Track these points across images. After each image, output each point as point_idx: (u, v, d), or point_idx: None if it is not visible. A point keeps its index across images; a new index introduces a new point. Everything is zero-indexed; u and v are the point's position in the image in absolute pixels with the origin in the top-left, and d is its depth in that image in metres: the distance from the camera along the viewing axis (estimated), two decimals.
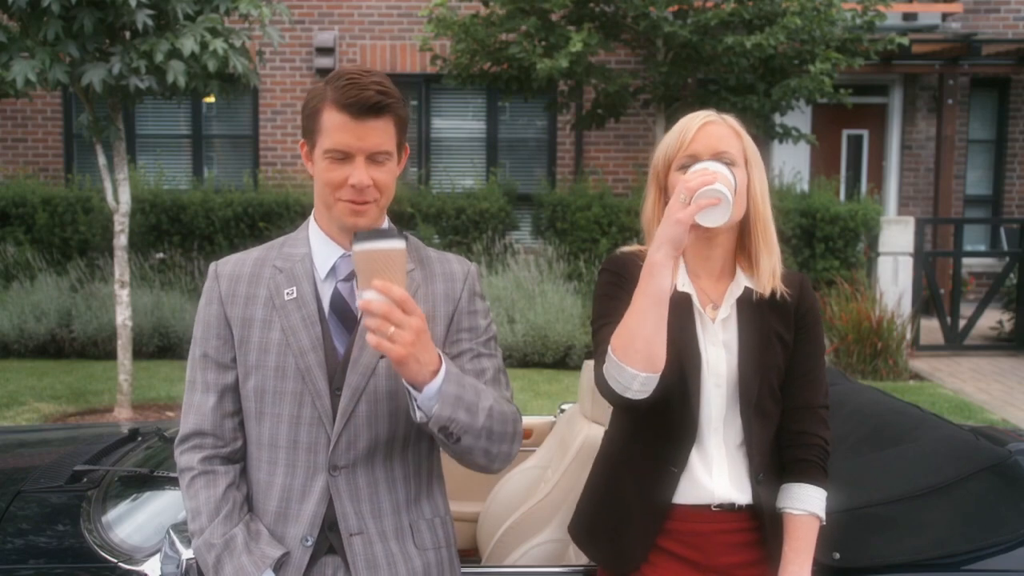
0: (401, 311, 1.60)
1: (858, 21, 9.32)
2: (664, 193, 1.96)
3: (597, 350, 1.93)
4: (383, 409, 1.80)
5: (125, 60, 5.93)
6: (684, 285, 1.95)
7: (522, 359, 8.60)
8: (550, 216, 10.15)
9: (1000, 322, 10.08)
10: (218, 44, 5.89)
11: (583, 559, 2.15)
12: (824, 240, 9.71)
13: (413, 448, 1.86)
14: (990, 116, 12.57)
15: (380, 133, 1.75)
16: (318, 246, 1.86)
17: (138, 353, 7.98)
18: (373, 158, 1.76)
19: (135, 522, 2.38)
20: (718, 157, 1.88)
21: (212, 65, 5.92)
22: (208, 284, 1.90)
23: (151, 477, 2.63)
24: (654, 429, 1.91)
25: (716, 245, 1.96)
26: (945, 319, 9.64)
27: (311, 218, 1.90)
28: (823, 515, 1.94)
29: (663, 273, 1.76)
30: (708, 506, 1.93)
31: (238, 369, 1.85)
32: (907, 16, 11.51)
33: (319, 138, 1.77)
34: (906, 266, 9.57)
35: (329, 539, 1.80)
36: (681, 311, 1.92)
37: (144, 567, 2.15)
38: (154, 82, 6.01)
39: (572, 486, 2.64)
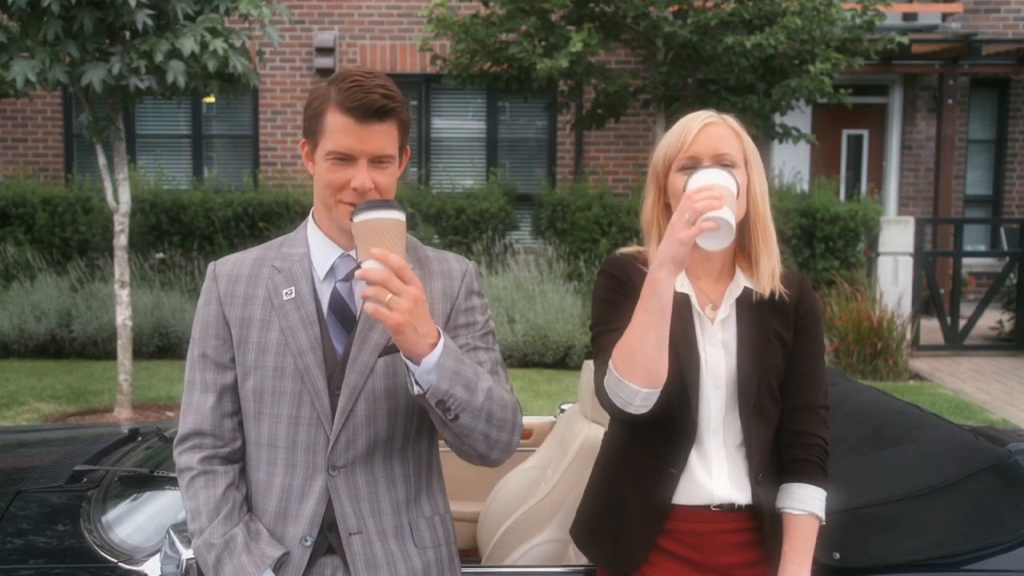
0: (399, 279, 1.60)
1: (858, 21, 9.32)
2: (663, 193, 1.96)
3: (597, 359, 1.95)
4: (382, 408, 1.80)
5: (125, 60, 5.93)
6: (683, 286, 1.95)
7: (522, 359, 8.60)
8: (550, 216, 10.15)
9: (1000, 322, 10.08)
10: (218, 44, 5.89)
11: (583, 559, 2.15)
12: (824, 240, 9.71)
13: (412, 447, 1.86)
14: (990, 116, 12.57)
15: (383, 136, 1.75)
16: (317, 246, 1.86)
17: (138, 353, 7.98)
18: (376, 161, 1.76)
19: (135, 522, 2.38)
20: (719, 159, 1.88)
21: (212, 65, 5.92)
22: (207, 284, 1.90)
23: (151, 477, 2.63)
24: (653, 431, 1.91)
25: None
26: (945, 319, 9.64)
27: (310, 218, 1.90)
28: (823, 515, 1.94)
29: (665, 289, 1.76)
30: (708, 506, 1.93)
31: (237, 369, 1.85)
32: (907, 16, 11.51)
33: (322, 139, 1.77)
34: (906, 266, 9.57)
35: (328, 539, 1.80)
36: (680, 312, 1.92)
37: (144, 567, 2.15)
38: (154, 82, 6.01)
39: (572, 486, 2.64)
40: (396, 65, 11.75)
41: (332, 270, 1.85)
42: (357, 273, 1.64)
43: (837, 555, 2.08)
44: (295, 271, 1.85)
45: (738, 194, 1.82)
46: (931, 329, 9.73)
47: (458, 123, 12.21)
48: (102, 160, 6.64)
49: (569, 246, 9.83)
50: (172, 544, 1.99)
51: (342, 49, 11.82)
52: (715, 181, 1.77)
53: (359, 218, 1.64)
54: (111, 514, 2.42)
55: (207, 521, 1.79)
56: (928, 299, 9.86)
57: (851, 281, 9.37)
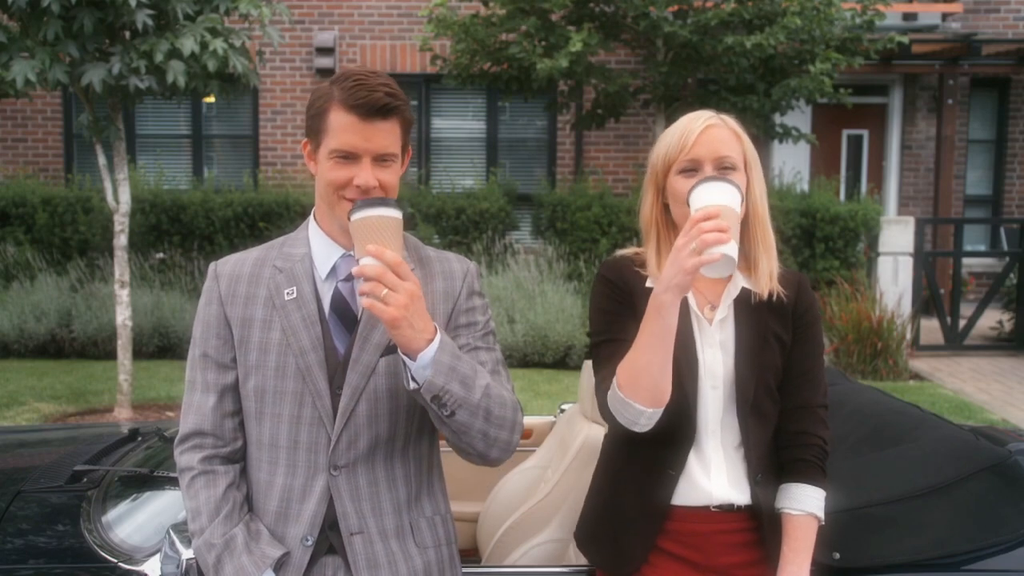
0: (395, 275, 1.62)
1: (858, 21, 9.32)
2: (662, 194, 1.96)
3: (598, 372, 1.96)
4: (383, 408, 1.80)
5: (125, 60, 5.93)
6: None
7: (522, 359, 8.60)
8: (550, 216, 10.15)
9: (1000, 322, 10.08)
10: (218, 44, 5.89)
11: (583, 559, 2.15)
12: (824, 240, 9.71)
13: (414, 447, 1.86)
14: (990, 116, 12.57)
15: (387, 135, 1.76)
16: (318, 246, 1.86)
17: (138, 353, 7.98)
18: (379, 159, 1.76)
19: (135, 522, 2.38)
20: (720, 162, 1.88)
21: (212, 65, 5.92)
22: (208, 284, 1.90)
23: (151, 477, 2.63)
24: (652, 433, 1.91)
25: None
26: (945, 319, 9.64)
27: (311, 218, 1.90)
28: (822, 515, 1.94)
29: (670, 313, 1.76)
30: (707, 507, 1.93)
31: (238, 369, 1.85)
32: (907, 16, 11.51)
33: (325, 138, 1.77)
34: (906, 266, 9.57)
35: (329, 539, 1.80)
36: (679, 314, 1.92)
37: (144, 567, 2.15)
38: (154, 82, 6.01)
39: (572, 486, 2.64)
40: (396, 65, 11.75)
41: (334, 270, 1.85)
42: (354, 270, 1.65)
43: (837, 555, 2.09)
44: (297, 271, 1.85)
45: (741, 200, 1.82)
46: (931, 329, 9.73)
47: (458, 123, 12.21)
48: (102, 160, 6.64)
49: (569, 246, 9.83)
50: (172, 544, 1.99)
51: (342, 49, 11.82)
52: (720, 200, 1.74)
53: (356, 216, 1.65)
54: (111, 514, 2.42)
55: (207, 521, 1.79)
56: (928, 299, 9.86)
57: (851, 281, 9.37)
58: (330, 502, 1.80)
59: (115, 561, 2.20)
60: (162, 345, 8.82)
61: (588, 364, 2.65)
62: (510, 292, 8.99)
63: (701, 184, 1.77)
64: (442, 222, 10.02)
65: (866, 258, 9.88)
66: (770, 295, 1.95)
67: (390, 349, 1.79)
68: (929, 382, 8.41)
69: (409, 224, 9.77)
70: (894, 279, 9.52)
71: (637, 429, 1.86)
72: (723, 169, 1.88)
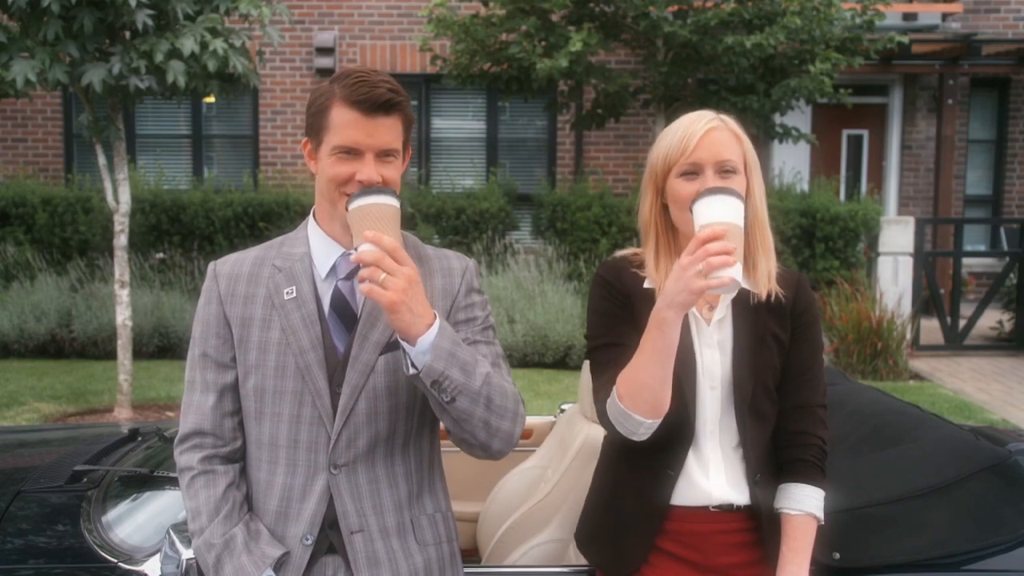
0: (393, 260, 1.62)
1: (858, 21, 9.31)
2: (661, 194, 1.96)
3: (596, 379, 1.97)
4: (383, 406, 1.80)
5: (125, 60, 5.93)
6: None
7: (522, 359, 8.60)
8: (550, 216, 10.15)
9: (1000, 322, 10.08)
10: (218, 44, 5.89)
11: (583, 559, 2.15)
12: (824, 240, 9.71)
13: (414, 444, 1.86)
14: (990, 116, 12.57)
15: (389, 131, 1.77)
16: (318, 245, 1.86)
17: (138, 353, 7.98)
18: (382, 155, 1.77)
19: (135, 522, 2.38)
20: (721, 165, 1.87)
21: (212, 65, 5.92)
22: (207, 283, 1.90)
23: (151, 477, 2.63)
24: (650, 433, 1.91)
25: None
26: (945, 319, 9.64)
27: (310, 217, 1.90)
28: (821, 515, 1.94)
29: (673, 329, 1.76)
30: (706, 507, 1.93)
31: (238, 368, 1.85)
32: (907, 16, 11.51)
33: (326, 135, 1.78)
34: (906, 266, 9.56)
35: (329, 537, 1.80)
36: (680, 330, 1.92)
37: (144, 567, 2.15)
38: (154, 82, 6.01)
39: (572, 486, 2.64)
40: (396, 65, 11.75)
41: (333, 269, 1.85)
42: (352, 256, 1.65)
43: (837, 555, 2.09)
44: (296, 270, 1.85)
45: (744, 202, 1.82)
46: (931, 329, 9.73)
47: (458, 123, 12.21)
48: (102, 160, 6.64)
49: (569, 246, 9.83)
50: (172, 544, 1.99)
51: (342, 49, 11.82)
52: (726, 216, 1.71)
53: (354, 204, 1.67)
54: (111, 514, 2.42)
55: (207, 521, 1.79)
56: (928, 299, 9.86)
57: (851, 281, 9.36)
58: (330, 501, 1.80)
59: (115, 561, 2.20)
60: (162, 345, 8.82)
61: (588, 364, 2.65)
62: (510, 292, 8.99)
63: (705, 197, 1.74)
64: (442, 222, 10.02)
65: (866, 258, 9.87)
66: (768, 295, 1.95)
67: (390, 346, 1.79)
68: (929, 382, 8.41)
69: (409, 224, 9.77)
70: (894, 279, 9.52)
71: (636, 439, 1.87)
72: (724, 172, 1.87)
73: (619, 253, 2.05)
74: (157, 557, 2.13)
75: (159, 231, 9.76)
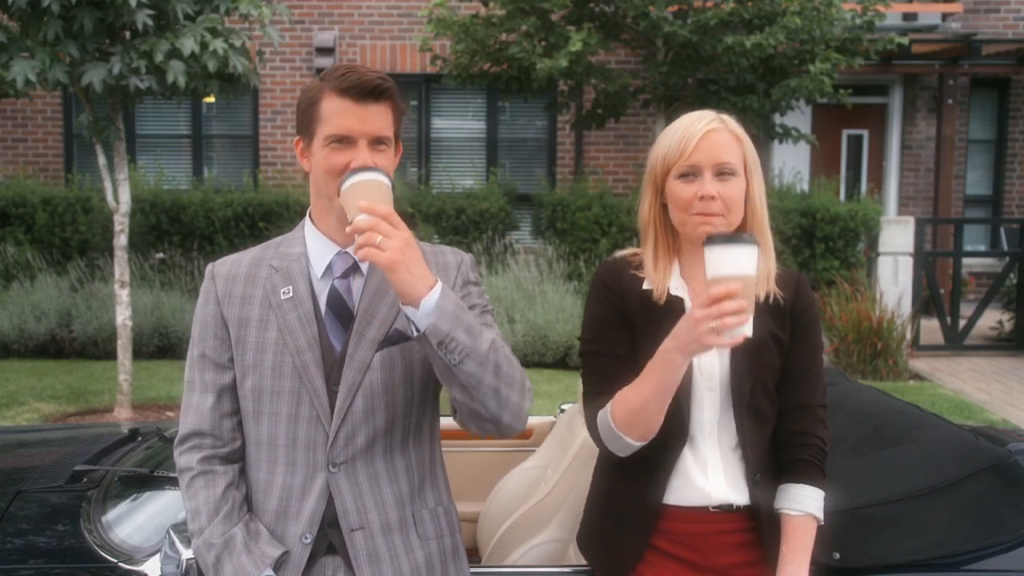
0: (388, 225, 1.63)
1: (858, 21, 9.31)
2: (660, 195, 1.95)
3: (584, 382, 1.98)
4: (379, 403, 1.80)
5: (125, 60, 5.93)
6: (677, 288, 1.95)
7: (522, 359, 8.56)
8: (550, 216, 10.15)
9: (1000, 322, 10.08)
10: (218, 44, 5.89)
11: (583, 559, 2.15)
12: (824, 240, 9.71)
13: (413, 439, 1.86)
14: (990, 116, 12.57)
15: (381, 117, 1.78)
16: (314, 244, 1.87)
17: (138, 353, 7.98)
18: (375, 143, 1.78)
19: (135, 522, 2.38)
20: (719, 168, 1.87)
21: (212, 65, 5.92)
22: (205, 285, 1.91)
23: (151, 477, 2.63)
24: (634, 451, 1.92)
25: None
26: (945, 319, 9.64)
27: (307, 218, 1.91)
28: (820, 515, 1.94)
29: (678, 371, 1.77)
30: (706, 507, 1.93)
31: (236, 369, 1.85)
32: (907, 16, 11.51)
33: (318, 127, 1.78)
34: (906, 266, 9.56)
35: (329, 536, 1.81)
36: (673, 315, 1.92)
37: (144, 567, 2.15)
38: (154, 82, 6.01)
39: (572, 486, 2.64)
40: (396, 65, 11.75)
41: (329, 268, 1.85)
42: (347, 228, 1.65)
43: (837, 555, 2.09)
44: (292, 270, 1.86)
45: (733, 207, 1.83)
46: (931, 329, 9.73)
47: (458, 123, 12.21)
48: (102, 160, 6.64)
49: (569, 246, 9.83)
50: (172, 544, 1.99)
51: (342, 49, 11.82)
52: (740, 270, 1.67)
53: (346, 184, 1.69)
54: (111, 514, 2.42)
55: (207, 521, 1.79)
56: (928, 299, 9.86)
57: (851, 281, 9.36)
58: (329, 499, 1.80)
59: (115, 561, 2.20)
60: (162, 345, 8.82)
61: None
62: (510, 292, 8.99)
63: (718, 245, 1.68)
64: (442, 222, 10.02)
65: (866, 258, 9.87)
66: (767, 296, 1.95)
67: (387, 342, 1.79)
68: (929, 382, 8.41)
69: (409, 224, 9.74)
70: (894, 279, 9.52)
71: (620, 455, 1.91)
72: (722, 174, 1.87)
73: (619, 253, 2.05)
74: (157, 557, 2.13)
75: (159, 231, 9.76)
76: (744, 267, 1.68)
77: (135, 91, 6.05)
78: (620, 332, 1.94)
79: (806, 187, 10.90)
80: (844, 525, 2.10)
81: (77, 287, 9.20)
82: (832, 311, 8.76)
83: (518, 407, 1.75)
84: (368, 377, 1.79)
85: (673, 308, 1.92)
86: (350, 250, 1.84)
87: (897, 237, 9.61)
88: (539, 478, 3.03)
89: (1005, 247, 11.91)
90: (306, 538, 1.79)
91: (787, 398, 1.98)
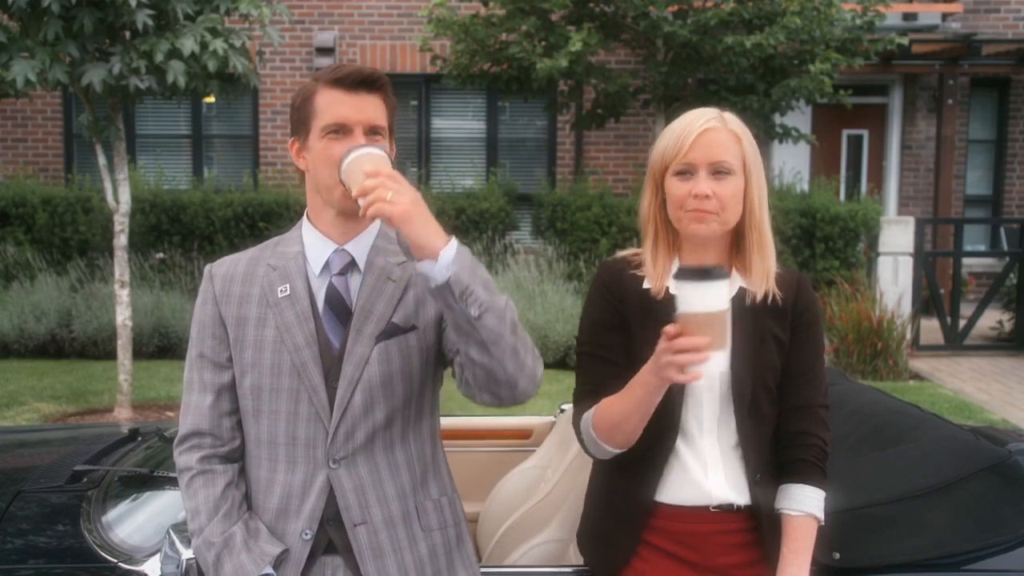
0: (397, 182, 1.64)
1: (858, 21, 9.31)
2: (660, 191, 1.96)
3: (577, 381, 2.01)
4: (378, 397, 1.80)
5: (125, 60, 5.93)
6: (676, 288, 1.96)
7: None
8: (550, 216, 10.15)
9: (1000, 322, 10.08)
10: (218, 44, 5.89)
11: (583, 559, 2.15)
12: (824, 240, 9.71)
13: (413, 432, 1.87)
14: (990, 116, 12.57)
15: (374, 107, 1.80)
16: (312, 243, 1.88)
17: (138, 353, 7.98)
18: (371, 132, 1.79)
19: (135, 522, 2.38)
20: (715, 167, 1.87)
21: (212, 65, 5.92)
22: (203, 285, 1.92)
23: (151, 477, 2.63)
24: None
25: (709, 248, 1.96)
26: (945, 319, 9.64)
27: (304, 218, 1.92)
28: (821, 516, 1.94)
29: (657, 394, 1.79)
30: (706, 507, 1.93)
31: (234, 368, 1.86)
32: (907, 16, 11.51)
33: (314, 121, 1.80)
34: (906, 266, 9.56)
35: (328, 533, 1.81)
36: (670, 313, 1.92)
37: (144, 567, 2.15)
38: (154, 82, 6.01)
39: (572, 486, 2.64)
40: (396, 65, 11.75)
41: (327, 265, 1.86)
42: (354, 192, 1.66)
43: (837, 555, 2.09)
44: (290, 268, 1.86)
45: (730, 205, 1.84)
46: (931, 329, 9.73)
47: (458, 123, 12.21)
48: (102, 160, 6.64)
49: (569, 246, 9.83)
50: (172, 544, 1.99)
51: (342, 49, 11.82)
52: (704, 307, 1.66)
53: (347, 159, 1.70)
54: (111, 514, 2.42)
55: (206, 520, 1.80)
56: (928, 299, 9.86)
57: (851, 281, 9.36)
58: (330, 495, 1.80)
59: (115, 561, 2.20)
60: (162, 345, 8.82)
61: None
62: (510, 292, 8.98)
63: (686, 282, 1.69)
64: (442, 222, 9.86)
65: (866, 258, 9.87)
66: (767, 295, 1.95)
67: (385, 334, 1.80)
68: (929, 382, 8.41)
69: None
70: (894, 279, 9.52)
71: (599, 458, 1.96)
72: (718, 174, 1.88)
73: (620, 254, 2.05)
74: (157, 557, 2.13)
75: (159, 231, 9.75)
76: (711, 304, 1.67)
77: (135, 91, 6.05)
78: (615, 336, 1.95)
79: (806, 187, 10.90)
80: (844, 525, 2.10)
81: (77, 287, 9.19)
82: (832, 311, 8.76)
83: (532, 371, 1.75)
84: (367, 372, 1.80)
85: (672, 306, 1.92)
86: (348, 247, 1.85)
87: (897, 237, 9.61)
88: (539, 478, 3.03)
89: (1005, 247, 11.91)
90: (306, 534, 1.80)
91: (788, 398, 1.98)
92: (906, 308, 9.31)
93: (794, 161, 11.77)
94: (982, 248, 12.37)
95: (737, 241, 1.97)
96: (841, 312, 8.71)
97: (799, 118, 10.98)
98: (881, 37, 9.45)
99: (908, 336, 8.93)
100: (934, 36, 11.33)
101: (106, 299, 8.70)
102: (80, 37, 5.92)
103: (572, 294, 9.10)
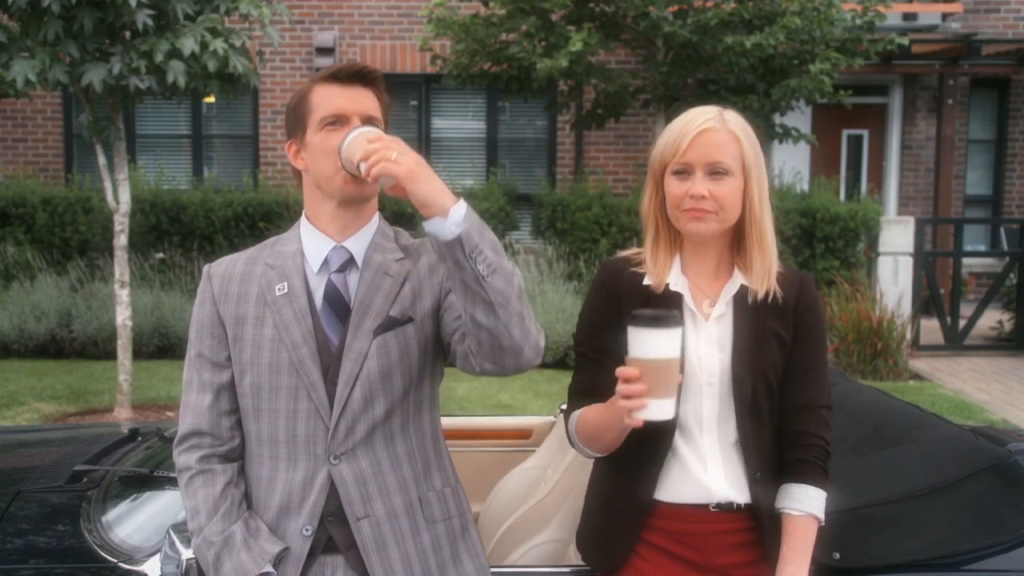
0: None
1: (858, 21, 9.31)
2: (660, 189, 1.96)
3: (572, 379, 2.03)
4: (377, 391, 1.81)
5: (125, 60, 5.93)
6: (677, 284, 1.96)
7: None
8: (550, 216, 10.15)
9: (1000, 322, 10.08)
10: (218, 44, 5.89)
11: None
12: (824, 240, 9.71)
13: (413, 423, 1.87)
14: (990, 116, 12.56)
15: (369, 100, 1.83)
16: (310, 241, 1.88)
17: (138, 353, 7.98)
18: (367, 123, 1.80)
19: (135, 522, 2.38)
20: (711, 167, 1.88)
21: (212, 65, 5.92)
22: (201, 285, 1.92)
23: (151, 477, 2.63)
24: (637, 430, 1.93)
25: (708, 246, 1.97)
26: (945, 319, 9.64)
27: (303, 217, 1.92)
28: (822, 516, 1.94)
29: (624, 423, 1.80)
30: (707, 506, 1.93)
31: (233, 367, 1.86)
32: (907, 16, 11.51)
33: (311, 117, 1.82)
34: (906, 266, 9.56)
35: (328, 529, 1.81)
36: (670, 308, 1.93)
37: (144, 567, 2.15)
38: (154, 82, 6.01)
39: (572, 486, 2.64)
40: (396, 65, 11.75)
41: (326, 263, 1.86)
42: (357, 158, 1.68)
43: (837, 555, 2.09)
44: (287, 267, 1.87)
45: (729, 206, 1.86)
46: (931, 329, 9.73)
47: (458, 123, 12.21)
48: (102, 160, 6.64)
49: (569, 246, 9.83)
50: (172, 544, 1.99)
51: (342, 49, 11.82)
52: (655, 353, 1.68)
53: (347, 140, 1.73)
54: (111, 514, 2.42)
55: (206, 519, 1.80)
56: (928, 299, 9.86)
57: (851, 281, 9.36)
58: (331, 491, 1.80)
59: (115, 561, 2.20)
60: (162, 345, 8.82)
61: None
62: None
63: (640, 328, 1.70)
64: None
65: (866, 258, 9.87)
66: (768, 293, 1.95)
67: (383, 327, 1.80)
68: (929, 382, 8.41)
69: (409, 224, 9.77)
70: (894, 279, 9.52)
71: (588, 457, 2.02)
72: (715, 174, 1.88)
73: (619, 255, 2.06)
74: (157, 557, 2.13)
75: (159, 231, 9.75)
76: (663, 351, 1.68)
77: (135, 91, 6.05)
78: (610, 338, 1.96)
79: (806, 187, 10.90)
80: (844, 525, 2.10)
81: (77, 287, 9.19)
82: (832, 311, 8.76)
83: (536, 341, 1.73)
84: (366, 366, 1.80)
85: (671, 303, 1.93)
86: (346, 244, 1.86)
87: (897, 237, 9.60)
88: (539, 478, 3.03)
89: (1005, 247, 11.91)
90: (307, 530, 1.80)
91: (790, 398, 1.98)
92: (906, 308, 9.31)
93: (794, 161, 11.77)
94: (982, 248, 12.37)
95: (738, 239, 1.97)
96: (841, 312, 8.71)
97: (799, 118, 10.98)
98: (881, 37, 9.44)
99: (908, 336, 8.93)
100: (934, 36, 11.33)
101: (106, 299, 8.70)
102: (80, 37, 5.92)
103: (572, 294, 9.10)
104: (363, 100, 1.82)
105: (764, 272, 1.95)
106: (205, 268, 1.94)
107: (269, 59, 11.44)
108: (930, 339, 9.61)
